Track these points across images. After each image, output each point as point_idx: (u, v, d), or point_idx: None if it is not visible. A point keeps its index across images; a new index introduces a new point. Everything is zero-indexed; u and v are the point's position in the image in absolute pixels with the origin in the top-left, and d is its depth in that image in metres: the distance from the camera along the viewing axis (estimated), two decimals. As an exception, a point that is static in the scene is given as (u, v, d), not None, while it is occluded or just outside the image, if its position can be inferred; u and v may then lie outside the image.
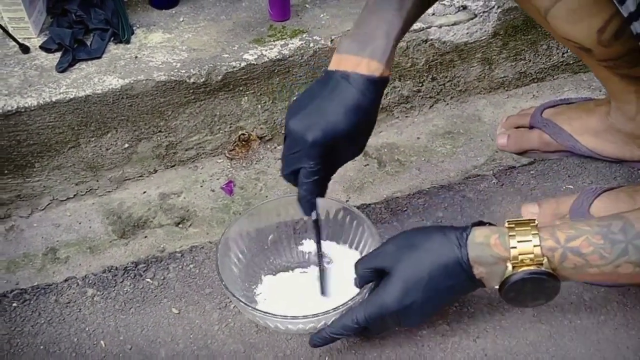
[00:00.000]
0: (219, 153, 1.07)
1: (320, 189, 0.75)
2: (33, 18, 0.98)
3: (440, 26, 1.07)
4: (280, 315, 0.71)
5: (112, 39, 1.00)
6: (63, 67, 0.95)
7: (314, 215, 0.76)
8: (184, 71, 0.97)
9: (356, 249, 0.84)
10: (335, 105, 0.70)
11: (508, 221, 0.66)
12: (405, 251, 0.69)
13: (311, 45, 1.01)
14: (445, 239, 0.67)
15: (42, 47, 0.98)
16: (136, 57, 0.98)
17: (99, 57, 0.98)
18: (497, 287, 0.67)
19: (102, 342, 0.75)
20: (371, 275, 0.72)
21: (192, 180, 1.04)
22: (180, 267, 0.84)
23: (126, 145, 1.00)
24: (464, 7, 1.08)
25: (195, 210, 0.99)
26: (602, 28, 0.76)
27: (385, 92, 1.10)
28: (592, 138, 0.94)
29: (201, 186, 1.03)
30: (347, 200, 0.99)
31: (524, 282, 0.65)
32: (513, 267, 0.65)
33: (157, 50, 1.00)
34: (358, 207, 0.90)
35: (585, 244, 0.62)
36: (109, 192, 1.02)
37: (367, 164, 1.06)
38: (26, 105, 0.90)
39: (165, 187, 1.03)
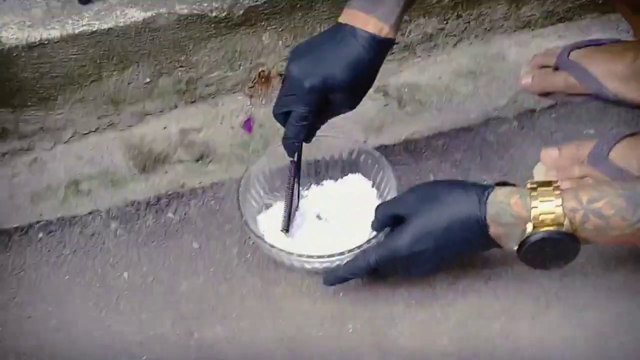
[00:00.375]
0: (239, 89, 1.07)
1: (307, 134, 0.77)
2: (53, -52, 0.97)
3: (468, -39, 1.04)
4: (296, 254, 0.73)
5: (135, -29, 0.99)
6: (85, -1, 0.94)
7: (295, 158, 0.78)
8: (206, 4, 0.96)
9: (374, 187, 0.85)
10: (338, 57, 0.72)
11: (530, 182, 0.66)
12: (425, 201, 0.70)
13: (336, -20, 0.99)
14: (466, 194, 0.67)
15: (63, -21, 0.97)
16: (159, -11, 0.97)
17: (122, -11, 0.97)
18: (515, 247, 0.67)
19: (125, 273, 0.78)
20: (389, 220, 0.73)
21: (212, 116, 1.04)
22: (201, 203, 0.86)
23: (147, 80, 1.00)
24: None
25: (215, 147, 1.00)
26: None
27: (408, 29, 1.10)
28: (617, 82, 0.93)
29: (221, 123, 1.03)
30: (366, 141, 0.99)
31: (543, 243, 0.64)
32: (534, 227, 0.64)
33: (180, -17, 0.98)
34: (376, 148, 0.90)
35: (607, 206, 0.62)
36: (130, 126, 1.03)
37: (387, 104, 1.05)
38: (49, 37, 0.90)
39: (185, 123, 1.03)
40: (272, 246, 0.74)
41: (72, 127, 1.00)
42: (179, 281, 0.78)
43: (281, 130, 1.02)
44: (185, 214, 0.84)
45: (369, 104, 1.02)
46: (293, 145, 0.77)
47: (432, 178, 0.90)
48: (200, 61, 1.01)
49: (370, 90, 1.08)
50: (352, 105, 0.78)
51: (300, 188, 0.84)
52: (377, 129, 1.02)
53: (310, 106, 0.73)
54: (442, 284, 0.79)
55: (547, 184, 0.65)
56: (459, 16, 1.09)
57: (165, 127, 1.03)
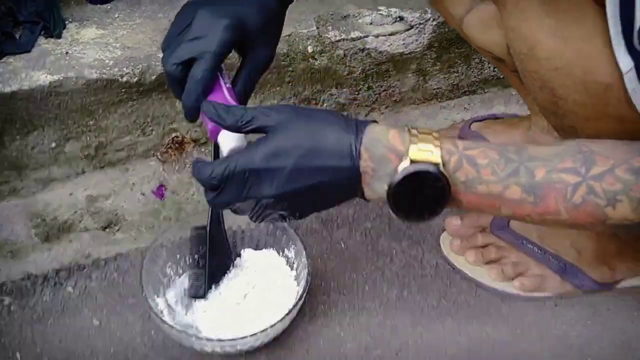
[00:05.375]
0: (151, 155, 1.05)
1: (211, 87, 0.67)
2: (-44, 9, 0.94)
3: (377, 36, 1.07)
4: (195, 336, 0.71)
5: (43, 32, 0.97)
6: (-12, 61, 0.91)
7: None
8: (116, 69, 0.94)
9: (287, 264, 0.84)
10: (249, 3, 0.67)
11: (410, 126, 0.60)
12: (297, 116, 0.59)
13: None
14: (344, 120, 0.59)
15: (-34, 40, 0.93)
16: (67, 52, 0.95)
17: (28, 51, 0.94)
18: (384, 188, 0.58)
19: (17, 354, 0.73)
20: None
21: (122, 182, 1.02)
22: (103, 275, 0.82)
23: (53, 145, 0.97)
24: (401, 18, 1.09)
25: (124, 214, 0.97)
26: None
27: (321, 98, 1.12)
28: None
29: (131, 189, 1.01)
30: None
31: (417, 179, 0.57)
32: (411, 163, 0.57)
33: (89, 47, 0.97)
34: (288, 218, 0.90)
35: (481, 155, 0.57)
36: (34, 193, 0.99)
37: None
38: (-56, 100, 0.86)
39: (93, 190, 1.00)
40: (170, 326, 0.71)
41: (-32, 194, 0.96)
42: (76, 362, 0.74)
43: (195, 195, 1.01)
44: (85, 287, 0.81)
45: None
46: (198, 103, 0.65)
47: (343, 247, 0.91)
48: (110, 126, 0.99)
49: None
50: (267, 59, 0.72)
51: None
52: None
53: (223, 48, 0.65)
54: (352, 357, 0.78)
55: (428, 129, 0.59)
56: (369, 88, 1.13)
57: (71, 194, 1.00)
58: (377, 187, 0.59)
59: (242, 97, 0.71)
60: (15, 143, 0.94)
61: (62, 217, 0.96)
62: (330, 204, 0.62)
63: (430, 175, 0.56)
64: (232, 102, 0.67)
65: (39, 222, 0.95)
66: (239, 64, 0.73)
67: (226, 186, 0.59)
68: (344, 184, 0.59)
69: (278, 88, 1.06)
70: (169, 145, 1.05)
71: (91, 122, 0.97)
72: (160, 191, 1.01)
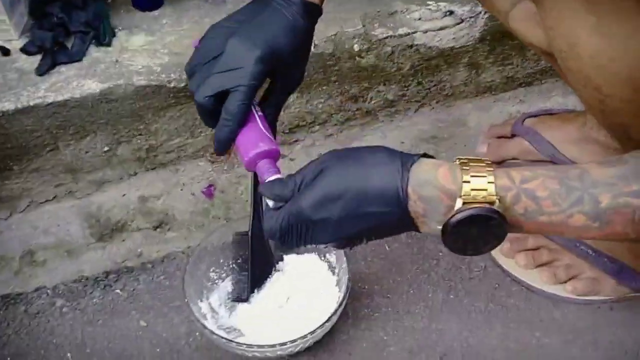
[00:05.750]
0: (201, 156, 1.07)
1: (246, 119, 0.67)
2: (14, 20, 0.98)
3: (426, 31, 1.05)
4: (235, 342, 0.71)
5: (93, 41, 1.00)
6: (42, 71, 0.94)
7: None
8: (164, 75, 0.96)
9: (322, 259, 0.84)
10: (276, 25, 0.65)
11: (459, 158, 0.57)
12: (341, 160, 0.58)
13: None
14: (389, 159, 0.57)
15: (22, 50, 0.97)
16: (117, 60, 0.98)
17: (80, 60, 0.97)
18: (437, 227, 0.57)
19: (68, 354, 0.76)
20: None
21: (173, 183, 1.04)
22: (150, 278, 0.84)
23: (106, 149, 1.00)
24: (451, 12, 1.06)
25: (174, 214, 1.00)
26: None
27: (369, 95, 1.11)
28: (571, 146, 0.93)
29: (181, 189, 1.03)
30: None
31: (472, 222, 0.55)
32: (463, 204, 0.55)
33: (138, 54, 0.99)
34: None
35: (541, 187, 0.55)
36: (88, 194, 1.02)
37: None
38: (4, 109, 0.90)
39: (145, 190, 1.03)
40: (211, 332, 0.72)
41: (29, 197, 1.00)
42: (124, 363, 0.77)
43: (243, 195, 1.02)
44: (133, 290, 0.83)
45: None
46: (232, 135, 0.66)
47: (387, 249, 0.89)
48: (160, 129, 1.01)
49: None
50: (298, 80, 0.72)
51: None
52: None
53: (257, 80, 0.64)
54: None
55: (478, 160, 0.57)
56: (419, 83, 1.11)
57: (124, 195, 1.03)
58: (431, 226, 0.57)
59: (274, 121, 0.71)
60: (70, 148, 0.98)
61: (115, 217, 0.99)
62: (388, 236, 0.61)
63: (486, 217, 0.55)
64: (267, 133, 0.67)
65: (94, 223, 0.99)
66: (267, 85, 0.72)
67: (285, 238, 0.60)
68: (395, 225, 0.58)
69: (324, 87, 1.05)
70: (217, 146, 1.06)
71: (141, 127, 1.00)
72: (209, 191, 1.03)
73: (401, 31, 1.04)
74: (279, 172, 0.65)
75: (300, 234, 0.59)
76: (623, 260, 0.80)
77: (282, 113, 1.05)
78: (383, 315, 0.82)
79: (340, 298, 0.75)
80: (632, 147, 0.62)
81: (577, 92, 0.67)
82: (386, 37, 1.03)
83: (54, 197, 1.01)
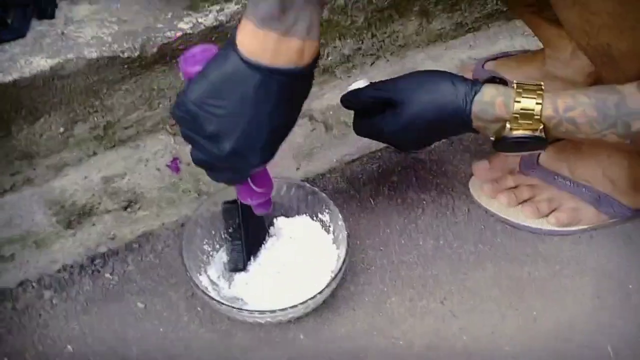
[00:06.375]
0: (161, 129, 1.02)
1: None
2: (-60, -3, 0.89)
3: (377, -19, 1.04)
4: (247, 310, 0.71)
5: (35, 15, 0.93)
6: (-17, 51, 0.87)
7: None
8: (116, 46, 0.91)
9: (323, 228, 0.83)
10: (270, 107, 0.59)
11: (517, 83, 0.70)
12: (417, 91, 0.72)
13: (249, 10, 0.97)
14: (455, 91, 0.71)
15: (-44, 30, 0.89)
16: (63, 33, 0.91)
17: (23, 36, 0.90)
18: (491, 137, 0.73)
19: (68, 346, 0.73)
20: (375, 103, 0.75)
21: (135, 160, 0.99)
22: (139, 258, 0.81)
23: (61, 130, 0.94)
24: (400, -40, 1.05)
25: (143, 192, 0.96)
26: None
27: (326, 52, 1.10)
28: None
29: (145, 165, 0.99)
30: (298, 168, 0.98)
31: (517, 141, 0.71)
32: (511, 129, 0.70)
33: (85, 24, 0.93)
34: (313, 179, 0.89)
35: (581, 115, 0.68)
36: (48, 180, 0.96)
37: (314, 128, 1.04)
38: (-54, 96, 0.83)
39: (107, 170, 0.98)
40: (219, 302, 0.71)
41: (-17, 189, 0.93)
42: (129, 347, 0.73)
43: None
44: (124, 272, 0.79)
45: (296, 130, 1.00)
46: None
47: (372, 204, 0.90)
48: (116, 104, 0.96)
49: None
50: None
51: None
52: (307, 155, 1.01)
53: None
54: (399, 310, 0.79)
55: (533, 88, 0.69)
56: (373, 35, 1.10)
57: (86, 177, 0.97)
58: (487, 134, 0.73)
59: None
60: (23, 132, 0.91)
61: (81, 201, 0.94)
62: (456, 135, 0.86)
63: (530, 139, 0.70)
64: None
65: (59, 209, 0.93)
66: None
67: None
68: (461, 133, 0.77)
69: (282, 46, 1.03)
70: (178, 117, 1.02)
71: (97, 103, 0.94)
72: (174, 164, 0.99)
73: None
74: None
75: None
76: (600, 189, 0.84)
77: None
78: (379, 268, 0.82)
79: (342, 256, 0.75)
80: (612, 68, 0.67)
81: (561, 17, 0.70)
82: (339, -10, 1.02)
83: (12, 187, 0.94)
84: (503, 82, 0.78)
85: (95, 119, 0.96)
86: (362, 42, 1.10)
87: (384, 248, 0.84)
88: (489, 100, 0.70)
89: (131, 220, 0.93)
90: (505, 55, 1.03)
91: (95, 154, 0.99)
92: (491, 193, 0.88)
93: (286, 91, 0.59)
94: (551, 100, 0.69)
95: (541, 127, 0.69)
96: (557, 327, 0.77)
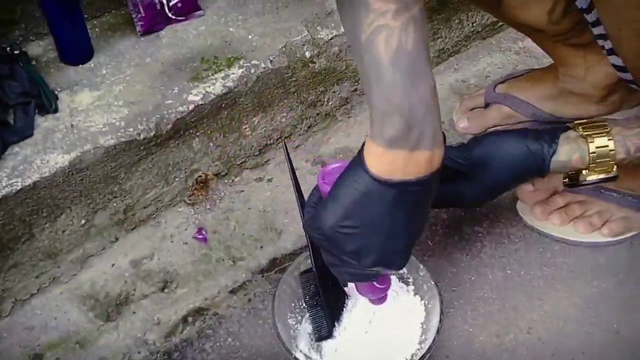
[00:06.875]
0: (179, 202, 1.01)
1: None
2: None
3: (365, 23, 1.06)
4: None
5: (37, 111, 0.90)
6: (-6, 156, 0.84)
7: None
8: (131, 129, 0.89)
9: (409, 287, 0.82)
10: (406, 216, 0.61)
11: (584, 129, 0.71)
12: (494, 162, 0.71)
13: (252, 71, 0.97)
14: (532, 156, 0.71)
15: (-40, 139, 0.85)
16: (72, 125, 0.89)
17: (31, 135, 0.87)
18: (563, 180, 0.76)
19: None
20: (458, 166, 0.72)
21: (159, 237, 0.97)
22: (217, 345, 0.78)
23: (83, 222, 0.91)
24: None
25: (176, 269, 0.94)
26: (552, 9, 0.81)
27: (325, 98, 1.11)
28: (550, 103, 0.98)
29: (171, 242, 0.97)
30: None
31: (591, 183, 0.73)
32: (587, 175, 0.72)
33: (92, 112, 0.91)
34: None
35: None
36: (74, 275, 0.93)
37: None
38: (-32, 211, 0.79)
39: (133, 253, 0.95)
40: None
41: (10, 297, 0.89)
42: None
43: (237, 229, 0.97)
44: (204, 360, 0.77)
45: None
46: None
47: (431, 245, 0.90)
48: (135, 185, 0.94)
49: (309, 165, 1.08)
50: None
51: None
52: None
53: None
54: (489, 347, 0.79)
55: (600, 132, 0.71)
56: (367, 74, 1.12)
57: (113, 264, 0.95)
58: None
59: None
60: (45, 232, 0.88)
61: (114, 290, 0.92)
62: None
63: (605, 180, 0.73)
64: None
65: (94, 303, 0.90)
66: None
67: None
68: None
69: (285, 101, 1.04)
70: (194, 187, 1.01)
71: (115, 188, 0.92)
72: (201, 234, 0.98)
73: (342, 30, 1.04)
74: None
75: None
76: None
77: (250, 136, 1.04)
78: (458, 309, 0.82)
79: (438, 310, 0.74)
80: None
81: (621, 47, 0.72)
82: (332, 38, 1.04)
83: (39, 289, 0.91)
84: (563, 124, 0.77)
85: (115, 204, 0.94)
86: (357, 83, 1.12)
87: (456, 288, 0.85)
88: (566, 160, 0.71)
89: (172, 300, 0.91)
90: (512, 77, 1.05)
91: (117, 239, 0.97)
92: (543, 215, 0.90)
93: (419, 197, 0.60)
94: (621, 143, 0.71)
95: (615, 168, 0.71)
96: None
